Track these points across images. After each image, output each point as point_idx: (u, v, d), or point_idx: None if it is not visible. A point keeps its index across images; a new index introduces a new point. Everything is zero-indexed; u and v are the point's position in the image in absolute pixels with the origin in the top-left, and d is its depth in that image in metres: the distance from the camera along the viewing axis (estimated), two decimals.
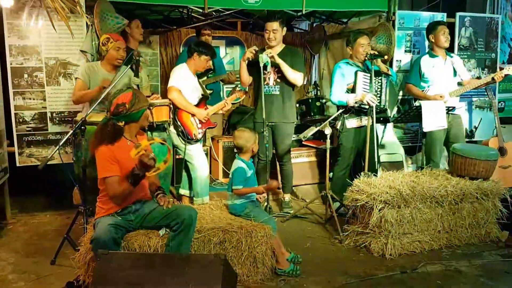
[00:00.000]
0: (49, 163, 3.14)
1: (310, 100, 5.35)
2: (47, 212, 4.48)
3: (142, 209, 2.94)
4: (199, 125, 4.20)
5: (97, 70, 3.72)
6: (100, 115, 3.27)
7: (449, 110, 4.49)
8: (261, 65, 4.07)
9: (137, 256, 2.52)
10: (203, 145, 4.77)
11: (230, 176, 3.44)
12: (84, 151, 3.22)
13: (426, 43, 5.17)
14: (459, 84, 4.70)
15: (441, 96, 4.48)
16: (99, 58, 3.79)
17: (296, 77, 4.26)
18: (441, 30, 4.54)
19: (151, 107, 3.67)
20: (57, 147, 3.07)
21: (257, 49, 4.20)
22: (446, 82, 4.60)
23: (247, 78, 4.37)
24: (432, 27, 4.62)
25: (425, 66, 4.60)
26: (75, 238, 3.27)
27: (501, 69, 4.69)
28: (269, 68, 4.16)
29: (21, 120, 4.19)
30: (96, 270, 2.46)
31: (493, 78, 4.48)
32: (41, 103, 4.22)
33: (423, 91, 4.61)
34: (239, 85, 5.25)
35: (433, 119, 4.27)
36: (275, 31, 4.18)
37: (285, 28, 4.28)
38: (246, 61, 4.25)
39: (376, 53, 4.19)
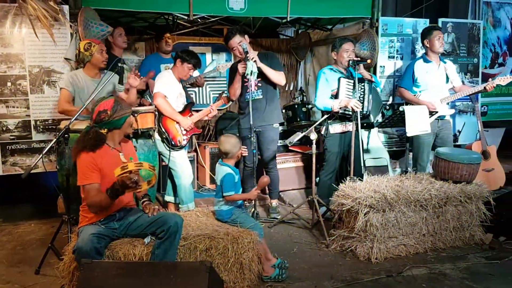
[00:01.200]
0: (33, 171, 3.12)
1: (296, 106, 5.40)
2: (31, 221, 4.43)
3: (127, 217, 2.92)
4: (184, 132, 4.20)
5: (81, 78, 3.70)
6: (84, 123, 3.25)
7: (438, 116, 4.53)
8: (248, 71, 4.07)
9: (121, 264, 2.50)
10: (189, 151, 4.77)
11: (219, 183, 3.41)
12: (68, 159, 3.20)
13: (409, 48, 5.24)
14: (451, 90, 4.73)
15: (433, 104, 4.51)
16: (81, 65, 3.77)
17: (278, 77, 4.30)
18: (436, 35, 4.53)
19: (136, 114, 3.66)
20: (40, 155, 3.05)
21: (244, 62, 4.16)
22: (438, 88, 4.61)
23: (238, 90, 4.34)
24: (427, 32, 4.61)
25: (419, 70, 4.61)
26: (60, 247, 3.23)
27: (483, 75, 4.76)
28: (254, 76, 4.14)
29: (4, 128, 4.15)
30: (80, 279, 2.44)
31: (485, 88, 4.51)
32: (24, 111, 4.19)
33: (415, 95, 4.65)
34: (225, 91, 5.27)
35: (416, 124, 4.31)
36: (240, 43, 4.18)
37: (246, 36, 4.27)
38: (239, 75, 4.23)
39: (359, 59, 4.23)
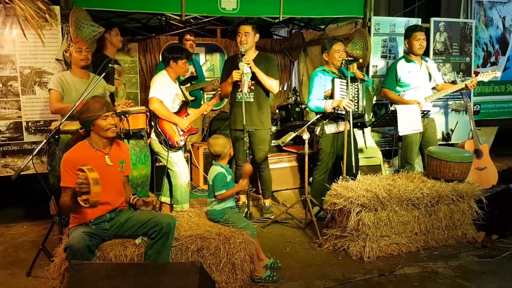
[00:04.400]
0: (25, 173, 3.10)
1: (289, 106, 5.41)
2: (24, 223, 4.40)
3: (117, 217, 2.91)
4: (181, 132, 4.19)
5: (69, 79, 3.70)
6: (74, 123, 3.24)
7: (424, 114, 4.56)
8: (241, 73, 4.07)
9: (111, 266, 2.50)
10: (184, 152, 4.76)
11: (211, 183, 3.42)
12: (58, 160, 3.18)
13: (401, 48, 5.26)
14: (433, 89, 4.77)
15: (418, 103, 4.52)
16: (68, 67, 3.77)
17: (272, 84, 4.27)
18: (415, 36, 4.55)
19: (126, 115, 3.64)
20: (31, 156, 3.03)
21: (240, 72, 4.13)
22: (422, 87, 4.65)
23: (228, 89, 4.35)
24: (408, 32, 4.65)
25: (401, 70, 4.64)
26: (51, 249, 3.21)
27: (476, 73, 4.77)
28: (248, 78, 4.13)
29: None
30: (69, 281, 2.43)
31: (466, 86, 4.55)
32: (16, 112, 4.17)
33: (399, 95, 4.67)
34: (218, 90, 5.26)
35: (408, 123, 4.32)
36: (247, 33, 4.18)
37: (258, 35, 4.28)
38: (231, 80, 4.21)
39: (351, 58, 4.24)
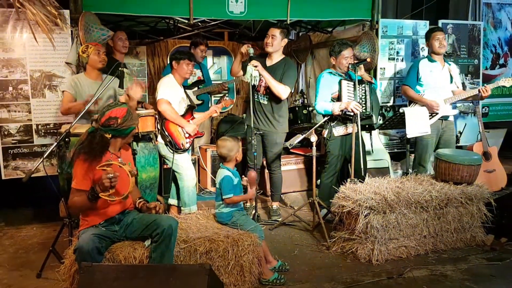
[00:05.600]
0: (35, 175, 3.13)
1: (297, 108, 5.42)
2: (33, 225, 4.44)
3: (125, 218, 2.93)
4: (187, 135, 4.21)
5: (83, 81, 3.75)
6: (84, 127, 3.27)
7: (442, 116, 4.54)
8: (248, 75, 4.09)
9: (121, 268, 2.51)
10: (192, 155, 4.79)
11: (218, 186, 3.44)
12: (69, 163, 3.21)
13: (409, 50, 5.24)
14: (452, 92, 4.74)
15: (436, 103, 4.51)
16: (81, 69, 3.81)
17: (279, 89, 4.24)
18: (435, 36, 4.57)
19: None
20: (41, 159, 3.07)
21: (250, 46, 4.23)
22: (442, 88, 4.62)
23: (236, 69, 4.45)
24: (427, 34, 4.67)
25: (423, 69, 4.62)
26: (61, 251, 3.23)
27: (488, 78, 4.72)
28: (254, 81, 4.13)
29: (6, 132, 4.18)
30: (80, 282, 2.45)
31: (479, 90, 4.53)
32: (26, 115, 4.22)
33: (419, 94, 4.65)
34: (226, 95, 5.29)
35: (416, 126, 4.30)
36: (274, 36, 4.25)
37: (286, 40, 4.33)
38: (240, 56, 4.35)
39: (357, 61, 4.24)
